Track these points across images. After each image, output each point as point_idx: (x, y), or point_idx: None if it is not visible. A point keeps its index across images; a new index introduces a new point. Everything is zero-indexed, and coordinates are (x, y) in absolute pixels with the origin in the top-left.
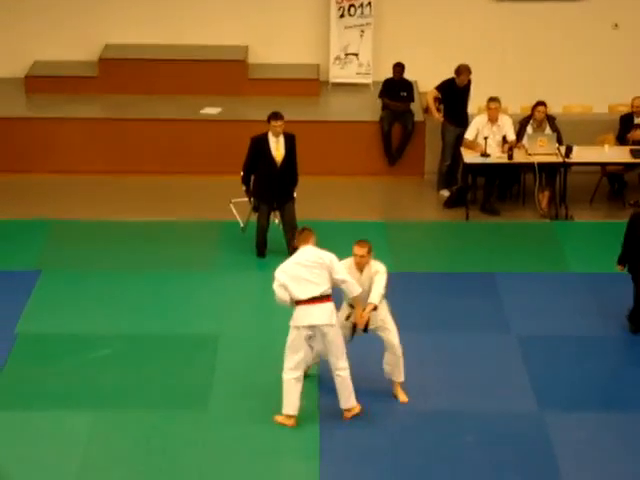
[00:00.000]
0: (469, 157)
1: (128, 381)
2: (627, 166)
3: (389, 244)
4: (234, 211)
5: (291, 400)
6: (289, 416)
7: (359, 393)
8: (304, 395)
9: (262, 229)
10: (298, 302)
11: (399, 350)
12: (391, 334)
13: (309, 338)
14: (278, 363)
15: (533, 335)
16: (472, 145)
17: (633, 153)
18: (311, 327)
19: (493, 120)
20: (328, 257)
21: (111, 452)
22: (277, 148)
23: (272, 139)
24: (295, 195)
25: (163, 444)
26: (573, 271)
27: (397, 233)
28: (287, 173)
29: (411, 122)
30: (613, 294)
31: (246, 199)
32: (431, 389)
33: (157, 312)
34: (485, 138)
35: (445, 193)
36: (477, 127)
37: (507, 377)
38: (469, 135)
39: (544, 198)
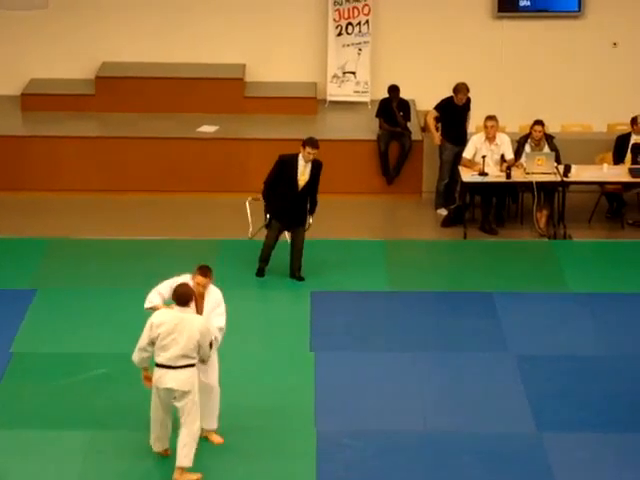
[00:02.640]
0: (467, 176)
1: (124, 400)
2: (626, 186)
3: (387, 263)
4: (248, 211)
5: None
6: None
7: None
8: None
9: (268, 246)
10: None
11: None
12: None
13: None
14: (276, 381)
15: (532, 355)
16: (470, 164)
17: (632, 172)
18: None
19: (491, 139)
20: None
21: (107, 472)
22: (303, 172)
23: (301, 163)
24: (311, 222)
25: (159, 464)
26: (572, 291)
27: (395, 252)
28: (306, 197)
29: (408, 141)
30: (612, 314)
31: (261, 198)
32: (429, 409)
33: None
34: (483, 157)
35: (443, 212)
36: (475, 146)
37: (505, 397)
38: (467, 154)
39: (542, 217)
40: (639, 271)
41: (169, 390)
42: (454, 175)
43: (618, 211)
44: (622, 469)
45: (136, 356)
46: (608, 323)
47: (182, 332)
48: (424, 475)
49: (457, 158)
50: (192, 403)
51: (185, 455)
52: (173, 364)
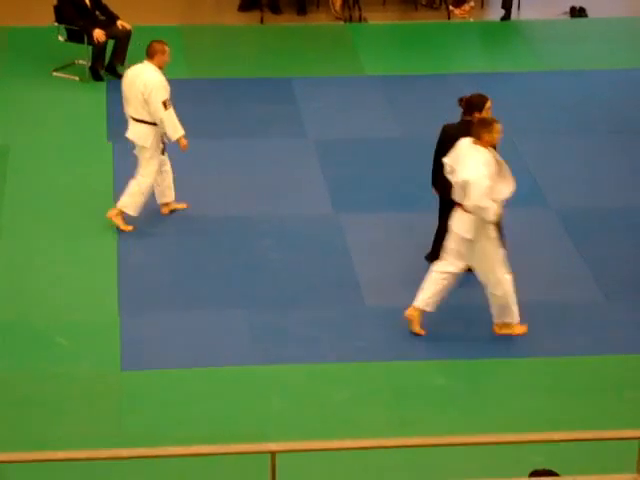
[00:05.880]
0: None
1: None
2: None
3: (184, 49)
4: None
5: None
6: None
7: None
8: None
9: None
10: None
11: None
12: None
13: None
14: (74, 173)
15: (329, 139)
16: None
17: None
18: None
19: None
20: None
21: None
22: None
23: None
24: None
25: None
26: (367, 74)
27: (192, 38)
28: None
29: None
30: (405, 96)
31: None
32: (228, 194)
33: None
34: None
35: None
36: None
37: (304, 182)
38: None
39: (337, 0)
40: (432, 53)
41: (130, 141)
42: None
43: None
44: (411, 246)
45: None
46: (401, 105)
47: (135, 84)
48: (225, 258)
49: None
50: (145, 160)
51: (123, 198)
52: (133, 115)
